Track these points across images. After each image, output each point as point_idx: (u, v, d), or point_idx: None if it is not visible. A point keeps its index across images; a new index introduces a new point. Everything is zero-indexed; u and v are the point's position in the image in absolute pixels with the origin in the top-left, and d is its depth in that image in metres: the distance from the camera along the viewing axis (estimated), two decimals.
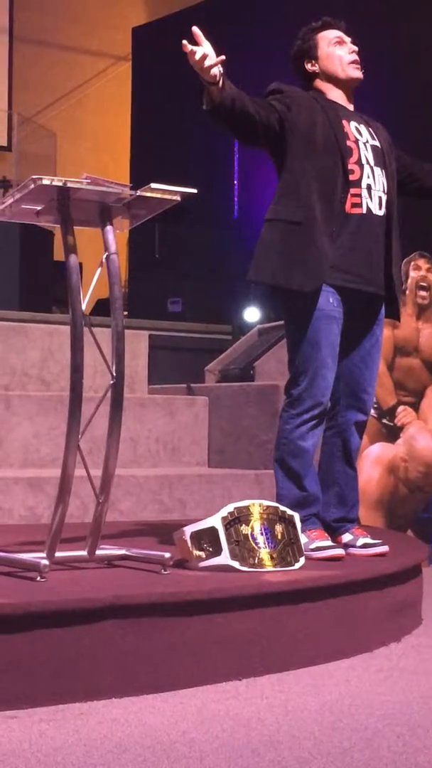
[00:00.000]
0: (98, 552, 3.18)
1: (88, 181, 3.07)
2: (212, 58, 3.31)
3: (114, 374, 3.14)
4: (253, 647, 2.97)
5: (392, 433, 5.19)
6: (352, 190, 3.62)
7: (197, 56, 3.28)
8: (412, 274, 5.27)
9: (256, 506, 3.30)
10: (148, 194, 3.15)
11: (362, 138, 3.69)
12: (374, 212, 3.67)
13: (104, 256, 3.16)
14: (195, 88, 3.42)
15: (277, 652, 3.03)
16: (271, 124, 3.58)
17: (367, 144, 3.69)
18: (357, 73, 3.76)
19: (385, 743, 2.41)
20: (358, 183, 3.63)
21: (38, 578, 2.91)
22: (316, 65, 3.78)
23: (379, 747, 2.38)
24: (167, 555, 3.13)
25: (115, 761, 2.25)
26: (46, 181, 2.99)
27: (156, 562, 3.15)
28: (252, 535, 3.25)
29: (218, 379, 6.16)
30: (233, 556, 3.19)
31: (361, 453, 4.44)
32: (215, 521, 3.22)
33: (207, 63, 3.30)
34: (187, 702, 2.71)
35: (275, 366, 5.60)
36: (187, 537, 3.24)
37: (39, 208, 3.15)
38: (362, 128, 3.72)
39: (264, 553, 3.25)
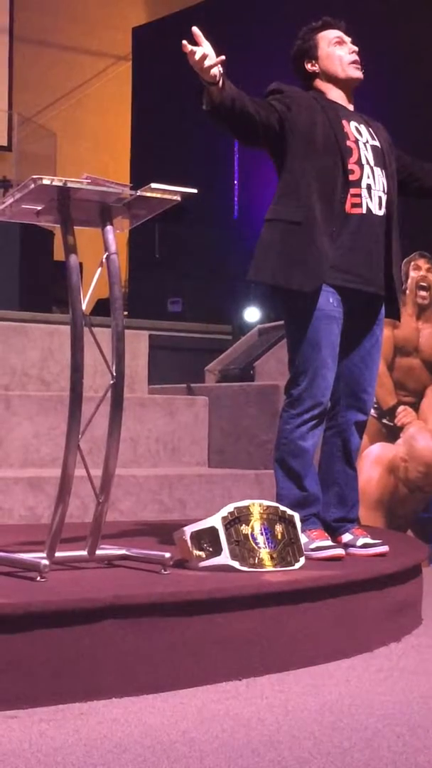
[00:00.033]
0: (98, 552, 3.18)
1: (89, 181, 3.07)
2: (212, 58, 3.31)
3: (114, 374, 3.14)
4: (253, 647, 2.97)
5: (392, 433, 5.19)
6: (352, 190, 3.62)
7: (197, 56, 3.29)
8: (412, 274, 5.27)
9: (256, 506, 3.31)
10: (148, 194, 3.15)
11: (362, 138, 3.69)
12: (374, 212, 3.67)
13: (104, 256, 3.16)
14: (195, 88, 3.42)
15: (277, 652, 3.03)
16: (271, 124, 3.58)
17: (367, 144, 3.69)
18: (357, 73, 3.77)
19: (385, 743, 2.41)
20: (358, 183, 3.63)
21: (38, 578, 2.91)
22: (316, 65, 3.78)
23: (379, 747, 2.38)
24: (167, 555, 3.13)
25: (115, 761, 2.25)
26: (46, 181, 2.99)
27: (156, 562, 3.15)
28: (252, 535, 3.25)
29: (218, 379, 6.16)
30: (233, 556, 3.19)
31: (361, 453, 4.44)
32: (215, 521, 3.22)
33: (207, 63, 3.30)
34: (187, 702, 2.71)
35: (275, 366, 5.60)
36: (187, 537, 3.24)
37: (39, 208, 3.15)
38: (362, 128, 3.72)
39: (264, 553, 3.25)
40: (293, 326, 3.68)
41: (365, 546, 3.69)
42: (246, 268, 3.67)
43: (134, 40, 11.48)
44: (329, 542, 3.59)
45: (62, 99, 12.59)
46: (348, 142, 3.65)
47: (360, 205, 3.63)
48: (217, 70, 3.33)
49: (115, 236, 3.21)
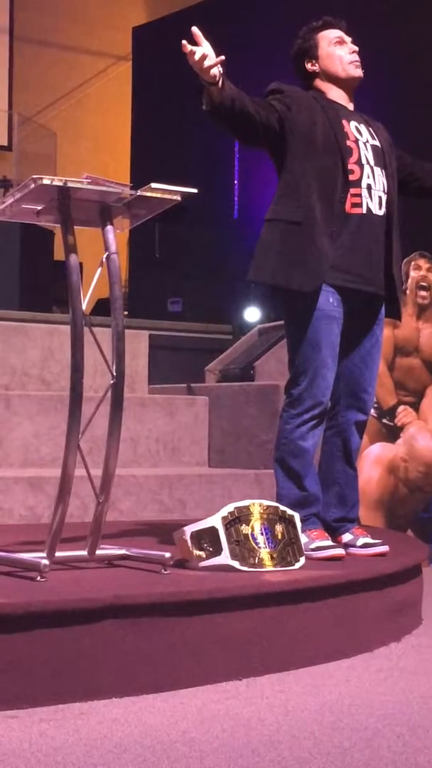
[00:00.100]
0: (98, 552, 3.18)
1: (89, 180, 3.07)
2: (212, 58, 3.31)
3: (114, 374, 3.14)
4: (253, 647, 2.97)
5: (392, 433, 5.18)
6: (352, 190, 3.62)
7: (197, 56, 3.29)
8: (413, 273, 5.27)
9: (257, 506, 3.31)
10: (149, 194, 3.15)
11: (362, 138, 3.69)
12: (374, 212, 3.67)
13: (104, 255, 3.16)
14: (195, 88, 3.42)
15: (277, 652, 3.03)
16: (271, 124, 3.58)
17: (367, 144, 3.69)
18: (357, 72, 3.76)
19: (385, 743, 2.41)
20: (358, 183, 3.63)
21: (38, 578, 2.91)
22: (317, 65, 3.78)
23: (379, 747, 2.38)
24: (167, 555, 3.13)
25: (115, 761, 2.25)
26: (46, 181, 2.99)
27: (156, 562, 3.15)
28: (252, 534, 3.25)
29: (218, 379, 6.16)
30: (233, 556, 3.19)
31: (361, 453, 4.43)
32: (215, 521, 3.22)
33: (206, 63, 3.30)
34: (187, 702, 2.71)
35: (275, 366, 5.60)
36: (188, 537, 3.24)
37: (39, 207, 3.15)
38: (362, 128, 3.72)
39: (264, 552, 3.25)
40: (293, 326, 3.68)
41: (365, 546, 3.69)
42: (246, 268, 3.67)
43: (134, 40, 11.47)
44: (329, 542, 3.59)
45: (62, 99, 12.59)
46: (348, 142, 3.65)
47: (360, 204, 3.63)
48: (216, 70, 3.33)
49: (115, 236, 3.21)
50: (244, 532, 3.24)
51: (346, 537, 3.75)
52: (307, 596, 3.15)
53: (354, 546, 3.71)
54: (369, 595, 3.38)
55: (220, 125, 3.54)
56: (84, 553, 3.17)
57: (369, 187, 3.66)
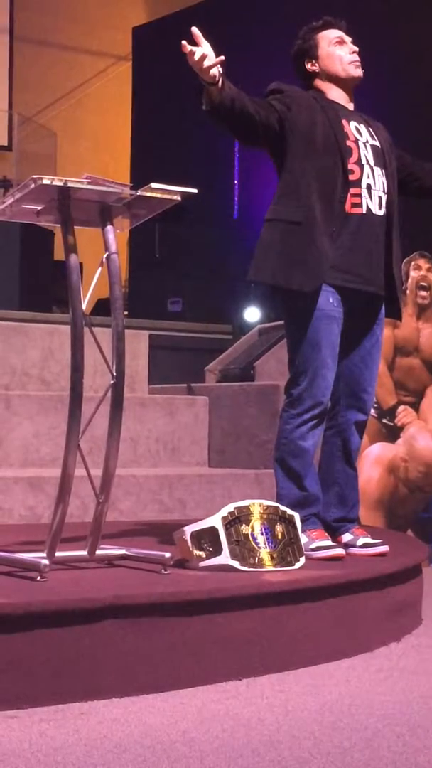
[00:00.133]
0: (98, 552, 3.18)
1: (89, 180, 3.07)
2: (211, 58, 3.31)
3: (114, 374, 3.14)
4: (253, 647, 2.97)
5: (392, 433, 5.18)
6: (352, 190, 3.62)
7: (196, 56, 3.29)
8: (413, 273, 5.27)
9: (257, 506, 3.31)
10: (149, 194, 3.15)
11: (362, 138, 3.69)
12: (374, 212, 3.67)
13: (104, 255, 3.16)
14: (195, 88, 3.42)
15: (277, 652, 3.03)
16: (270, 124, 3.58)
17: (367, 144, 3.69)
18: (357, 72, 3.76)
19: (385, 743, 2.41)
20: (358, 183, 3.63)
21: (38, 578, 2.91)
22: (317, 65, 3.78)
23: (379, 747, 2.38)
24: (167, 555, 3.13)
25: (115, 761, 2.25)
26: (46, 181, 2.99)
27: (156, 562, 3.15)
28: (252, 534, 3.25)
29: (218, 379, 6.16)
30: (233, 556, 3.19)
31: (361, 453, 4.43)
32: (215, 521, 3.22)
33: (206, 63, 3.30)
34: (187, 702, 2.71)
35: (275, 366, 5.60)
36: (188, 537, 3.24)
37: (39, 207, 3.15)
38: (362, 128, 3.72)
39: (264, 552, 3.25)
40: (293, 326, 3.68)
41: (365, 546, 3.69)
42: (246, 268, 3.67)
43: (134, 40, 11.47)
44: (329, 542, 3.59)
45: (62, 99, 12.59)
46: (348, 142, 3.65)
47: (360, 204, 3.63)
48: (216, 71, 3.33)
49: (115, 236, 3.21)
50: (244, 532, 3.24)
51: (346, 537, 3.75)
52: (307, 596, 3.15)
53: (354, 546, 3.71)
54: (369, 595, 3.38)
55: (220, 125, 3.54)
56: (84, 553, 3.17)
57: (369, 187, 3.66)
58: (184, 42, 3.28)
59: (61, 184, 3.01)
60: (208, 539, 3.22)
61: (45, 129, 11.72)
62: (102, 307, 6.40)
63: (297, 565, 3.31)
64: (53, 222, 3.21)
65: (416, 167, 3.92)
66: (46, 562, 2.94)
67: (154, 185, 3.14)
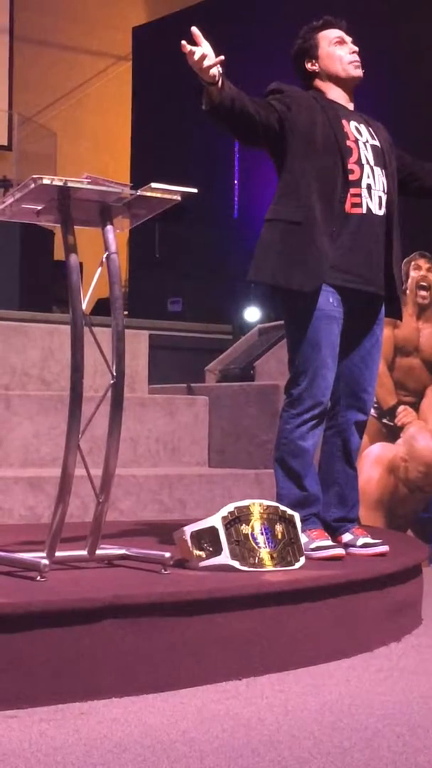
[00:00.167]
0: (98, 552, 3.18)
1: (89, 180, 3.07)
2: (211, 58, 3.31)
3: (114, 374, 3.14)
4: (253, 647, 2.97)
5: (392, 433, 5.18)
6: (352, 190, 3.62)
7: (196, 56, 3.29)
8: (413, 273, 5.27)
9: (257, 506, 3.30)
10: (149, 194, 3.15)
11: (362, 138, 3.69)
12: (374, 212, 3.67)
13: (104, 255, 3.16)
14: (195, 88, 3.42)
15: (277, 652, 3.03)
16: (270, 124, 3.58)
17: (367, 144, 3.69)
18: (357, 72, 3.76)
19: (385, 743, 2.41)
20: (358, 183, 3.63)
21: (38, 578, 2.91)
22: (317, 64, 3.78)
23: (379, 747, 2.38)
24: (167, 555, 3.13)
25: (115, 761, 2.25)
26: (46, 181, 2.99)
27: (156, 561, 3.15)
28: (252, 534, 3.25)
29: (218, 379, 6.16)
30: (233, 556, 3.19)
31: (361, 453, 4.43)
32: (215, 521, 3.22)
33: (206, 63, 3.30)
34: (187, 702, 2.71)
35: (275, 366, 5.60)
36: (188, 537, 3.24)
37: (39, 207, 3.15)
38: (362, 128, 3.72)
39: (264, 552, 3.25)
40: (293, 326, 3.68)
41: (365, 546, 3.69)
42: (246, 268, 3.67)
43: (134, 40, 11.47)
44: (329, 542, 3.59)
45: (62, 99, 12.59)
46: (348, 142, 3.65)
47: (360, 204, 3.63)
48: (216, 70, 3.33)
49: (115, 236, 3.21)
50: (244, 532, 3.24)
51: (346, 537, 3.75)
52: (307, 596, 3.15)
53: (354, 546, 3.71)
54: (369, 595, 3.38)
55: (220, 125, 3.54)
56: (84, 553, 3.17)
57: (369, 187, 3.66)
58: (183, 42, 3.28)
59: (61, 183, 3.01)
60: (208, 539, 3.22)
61: (45, 129, 11.72)
62: (102, 307, 6.40)
63: (297, 565, 3.31)
64: (53, 222, 3.21)
65: (416, 167, 3.92)
66: (46, 562, 2.94)
67: (154, 185, 3.14)
